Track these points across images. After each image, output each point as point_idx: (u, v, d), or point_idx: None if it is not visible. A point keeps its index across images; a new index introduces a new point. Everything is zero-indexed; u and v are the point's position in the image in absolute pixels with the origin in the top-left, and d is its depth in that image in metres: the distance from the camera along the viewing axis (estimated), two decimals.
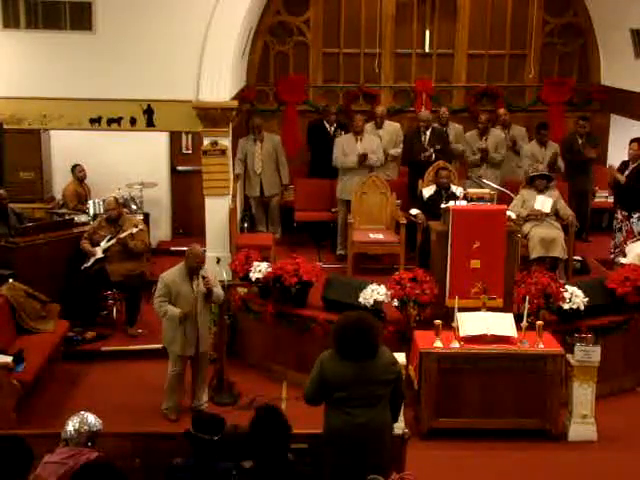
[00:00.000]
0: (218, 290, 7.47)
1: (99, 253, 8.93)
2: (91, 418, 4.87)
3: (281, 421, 4.54)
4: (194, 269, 7.29)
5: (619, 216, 9.80)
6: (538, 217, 9.48)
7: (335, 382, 5.04)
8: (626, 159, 9.88)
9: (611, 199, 10.59)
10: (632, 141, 9.76)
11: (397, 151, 10.90)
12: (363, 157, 10.15)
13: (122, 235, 8.92)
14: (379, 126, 10.98)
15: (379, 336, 5.13)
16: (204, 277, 7.30)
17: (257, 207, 11.21)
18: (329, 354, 5.15)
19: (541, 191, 9.65)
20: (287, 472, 4.46)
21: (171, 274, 7.35)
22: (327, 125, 11.10)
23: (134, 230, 9.01)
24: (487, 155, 10.63)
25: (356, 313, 5.40)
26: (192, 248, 7.37)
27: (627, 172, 9.70)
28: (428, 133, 10.40)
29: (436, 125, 10.79)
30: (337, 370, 5.05)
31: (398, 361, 5.33)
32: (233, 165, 10.49)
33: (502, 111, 11.39)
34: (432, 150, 10.19)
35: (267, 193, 11.00)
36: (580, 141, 10.84)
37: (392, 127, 11.13)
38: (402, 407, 5.42)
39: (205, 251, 7.50)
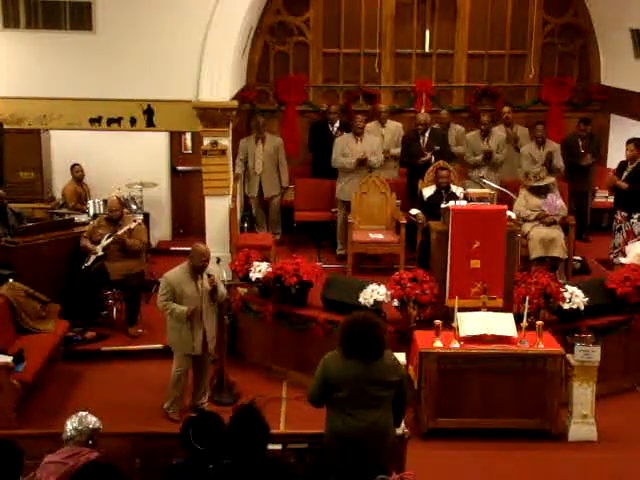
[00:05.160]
0: (222, 288, 7.44)
1: (100, 251, 8.92)
2: (91, 417, 4.87)
3: (259, 421, 4.50)
4: (199, 268, 7.21)
5: (618, 217, 9.78)
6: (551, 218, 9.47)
7: (337, 381, 5.02)
8: (623, 159, 9.88)
9: (611, 199, 10.58)
10: (629, 142, 9.75)
11: (398, 150, 10.89)
12: (363, 159, 10.16)
13: (120, 232, 8.88)
14: (383, 124, 10.99)
15: (384, 336, 5.11)
16: (209, 275, 7.25)
17: (257, 207, 11.20)
18: (333, 354, 5.15)
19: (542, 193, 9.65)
20: (265, 471, 4.40)
21: (175, 273, 7.27)
22: (330, 126, 11.09)
23: (132, 225, 8.97)
24: (491, 157, 10.56)
25: (364, 312, 5.39)
26: (196, 246, 7.30)
27: (626, 173, 9.70)
28: (427, 135, 10.36)
29: (436, 126, 10.78)
30: (340, 369, 5.03)
31: (401, 364, 5.26)
32: (233, 165, 10.49)
33: (506, 109, 11.38)
34: (430, 154, 10.16)
35: (266, 194, 11.01)
36: (581, 144, 10.83)
37: (394, 126, 11.16)
38: (404, 412, 5.33)
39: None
